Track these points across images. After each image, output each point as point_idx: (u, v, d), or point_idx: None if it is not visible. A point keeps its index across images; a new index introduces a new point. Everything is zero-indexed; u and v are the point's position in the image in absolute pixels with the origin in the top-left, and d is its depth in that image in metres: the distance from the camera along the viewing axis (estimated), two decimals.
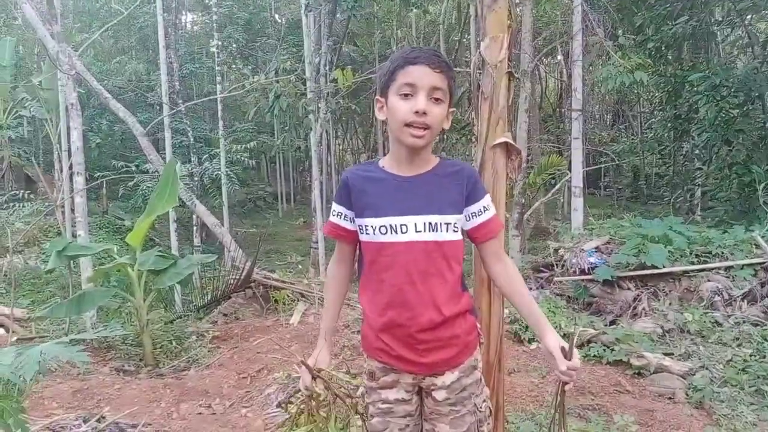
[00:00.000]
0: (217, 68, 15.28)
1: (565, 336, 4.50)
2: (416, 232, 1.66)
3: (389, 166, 1.75)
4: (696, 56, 9.56)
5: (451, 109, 1.69)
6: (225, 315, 5.94)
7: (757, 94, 7.77)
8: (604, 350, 4.28)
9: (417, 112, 1.58)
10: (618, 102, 22.09)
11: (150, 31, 17.95)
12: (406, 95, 1.60)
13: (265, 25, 20.87)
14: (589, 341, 4.43)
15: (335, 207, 1.82)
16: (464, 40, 17.40)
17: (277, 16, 21.46)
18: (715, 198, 8.95)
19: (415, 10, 15.99)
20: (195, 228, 14.49)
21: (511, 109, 2.65)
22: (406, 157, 1.70)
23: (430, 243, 1.67)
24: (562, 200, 18.60)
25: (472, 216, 1.73)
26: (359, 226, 1.75)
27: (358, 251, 1.85)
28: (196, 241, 14.84)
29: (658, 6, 8.83)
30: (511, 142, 2.63)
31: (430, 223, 1.66)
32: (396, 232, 1.67)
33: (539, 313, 1.74)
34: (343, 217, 1.80)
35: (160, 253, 5.01)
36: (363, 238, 1.75)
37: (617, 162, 14.16)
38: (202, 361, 4.82)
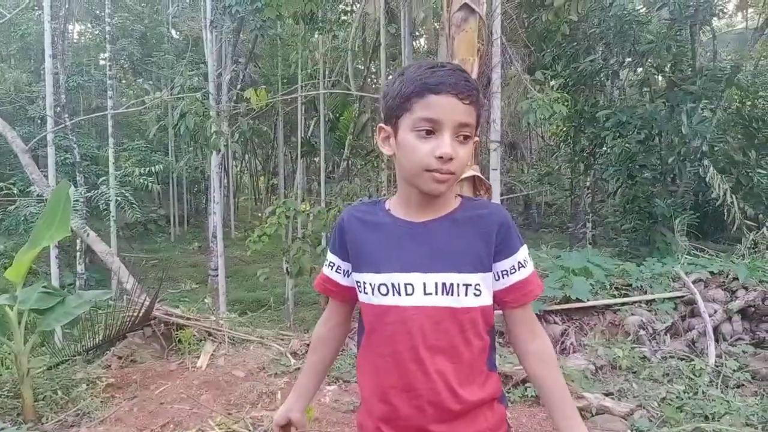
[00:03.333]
0: (108, 82, 14.25)
1: (507, 377, 4.30)
2: (425, 294, 1.30)
3: (396, 209, 1.40)
4: (599, 93, 10.00)
5: (476, 140, 1.34)
6: (120, 358, 5.23)
7: (657, 132, 8.18)
8: None
9: (441, 158, 1.23)
10: (512, 135, 23.02)
11: (33, 39, 16.54)
12: (427, 132, 1.25)
13: (162, 40, 19.95)
14: (524, 380, 4.25)
15: (329, 256, 1.49)
16: (371, 65, 17.41)
17: (174, 31, 20.56)
18: (619, 230, 9.32)
19: (318, 35, 15.81)
20: (79, 253, 13.27)
21: (479, 141, 2.43)
22: (419, 202, 1.35)
23: (442, 310, 1.30)
24: None
25: (503, 275, 1.34)
26: (357, 282, 1.40)
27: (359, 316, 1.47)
28: (80, 267, 13.63)
29: (565, 44, 9.16)
30: (479, 175, 2.40)
31: (443, 284, 1.30)
32: (399, 294, 1.31)
33: (575, 414, 1.35)
34: (335, 269, 1.46)
35: (45, 289, 4.32)
36: (361, 298, 1.40)
37: (523, 193, 14.56)
38: (95, 414, 4.15)
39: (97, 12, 19.76)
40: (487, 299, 1.34)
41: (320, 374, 1.59)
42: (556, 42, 9.24)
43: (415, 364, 1.30)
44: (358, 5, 15.37)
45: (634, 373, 4.43)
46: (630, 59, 8.89)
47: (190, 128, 6.48)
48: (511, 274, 1.35)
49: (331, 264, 1.47)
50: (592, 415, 3.81)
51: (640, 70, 9.09)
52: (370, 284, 1.34)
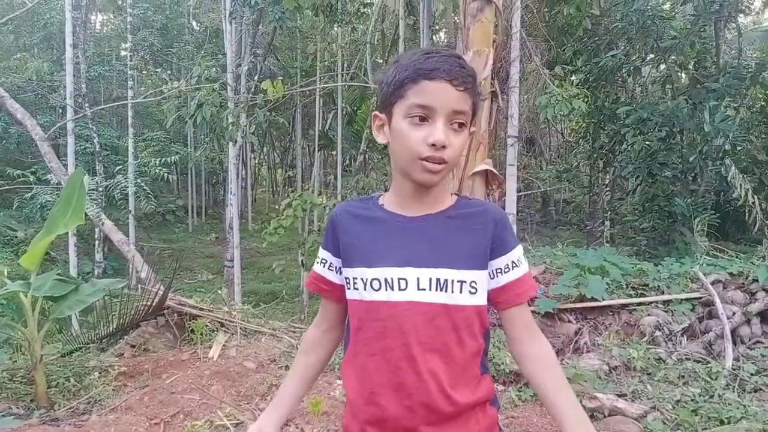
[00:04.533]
0: (129, 72, 14.35)
1: (518, 375, 4.25)
2: (419, 289, 1.26)
3: (390, 204, 1.36)
4: (621, 89, 9.85)
5: (472, 130, 1.30)
6: (133, 347, 5.27)
7: (679, 130, 8.03)
8: None
9: (434, 145, 1.20)
10: (530, 130, 22.81)
11: (55, 29, 16.70)
12: (420, 119, 1.21)
13: (182, 31, 20.05)
14: None
15: (321, 253, 1.43)
16: (390, 59, 17.33)
17: (195, 23, 20.66)
18: (636, 228, 9.18)
19: (337, 28, 15.74)
20: (97, 242, 13.41)
21: (493, 133, 2.36)
22: (413, 194, 1.31)
23: (435, 306, 1.26)
24: None
25: (497, 273, 1.31)
26: (346, 278, 1.35)
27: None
28: (98, 256, 13.78)
29: (586, 39, 9.03)
30: (492, 169, 2.34)
31: (438, 280, 1.26)
32: (392, 288, 1.27)
33: (586, 421, 1.27)
34: (328, 265, 1.41)
35: (60, 277, 4.34)
36: (350, 295, 1.34)
37: (542, 189, 14.43)
38: (106, 402, 4.18)
39: (119, 2, 19.91)
40: (482, 299, 1.30)
41: (307, 382, 1.50)
42: (577, 37, 9.12)
43: (407, 362, 1.26)
44: None
45: (649, 374, 4.35)
46: (652, 55, 8.73)
47: (207, 119, 6.49)
48: (504, 272, 1.31)
49: (324, 261, 1.41)
50: (605, 417, 3.75)
51: (662, 66, 8.92)
52: (362, 279, 1.30)
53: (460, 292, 1.26)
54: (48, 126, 10.91)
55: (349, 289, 1.34)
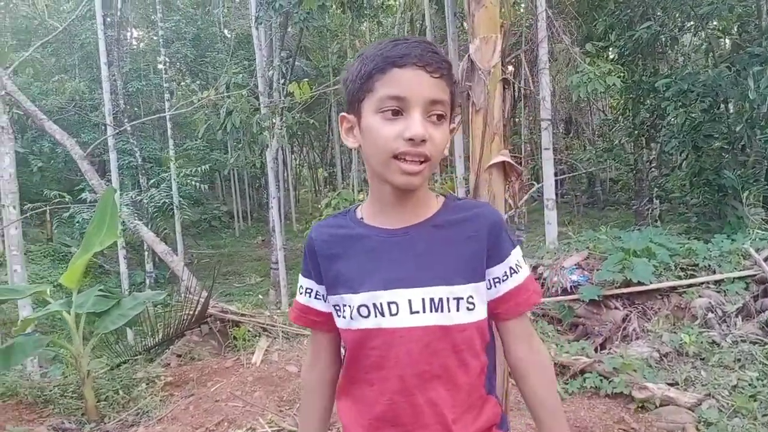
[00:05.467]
0: (165, 85, 14.64)
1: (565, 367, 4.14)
2: (411, 313, 1.12)
3: (369, 215, 1.22)
4: (657, 62, 9.47)
5: (452, 126, 1.18)
6: (179, 356, 5.36)
7: (722, 99, 7.67)
8: (601, 381, 3.92)
9: (411, 140, 1.05)
10: (570, 110, 22.23)
11: (92, 48, 17.17)
12: (393, 113, 1.07)
13: (215, 40, 20.36)
14: (582, 371, 4.07)
15: (302, 281, 1.29)
16: None
17: (226, 31, 20.95)
18: (685, 204, 8.83)
19: (367, 23, 15.71)
20: (146, 253, 13.76)
21: (509, 122, 2.26)
22: (393, 202, 1.16)
23: (432, 329, 1.13)
24: (523, 210, 18.52)
25: (495, 282, 1.18)
26: (334, 306, 1.22)
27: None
28: (149, 266, 14.12)
29: (618, 12, 8.71)
30: (510, 161, 2.24)
31: (432, 300, 1.12)
32: (382, 314, 1.13)
33: None
34: (313, 295, 1.26)
35: (102, 293, 4.44)
36: (339, 324, 1.22)
37: (583, 171, 14.06)
38: (153, 413, 4.25)
39: (152, 17, 20.32)
40: (482, 313, 1.17)
41: (324, 423, 1.36)
42: (608, 11, 8.80)
43: (402, 395, 1.14)
44: None
45: (703, 359, 4.15)
46: (690, 23, 8.35)
47: (237, 125, 6.52)
48: (503, 281, 1.18)
49: (308, 291, 1.27)
50: (656, 407, 3.60)
51: (702, 34, 8.53)
52: (349, 306, 1.16)
53: (458, 310, 1.13)
54: (92, 144, 11.25)
55: (338, 317, 1.22)
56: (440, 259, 1.15)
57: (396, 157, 1.07)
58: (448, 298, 1.13)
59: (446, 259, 1.15)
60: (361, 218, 1.23)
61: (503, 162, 2.20)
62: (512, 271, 1.19)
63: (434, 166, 1.14)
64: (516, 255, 1.21)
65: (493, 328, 1.28)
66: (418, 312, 1.13)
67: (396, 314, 1.13)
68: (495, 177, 2.22)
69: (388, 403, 1.15)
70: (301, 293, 1.30)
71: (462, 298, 1.14)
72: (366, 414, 1.19)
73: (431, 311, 1.13)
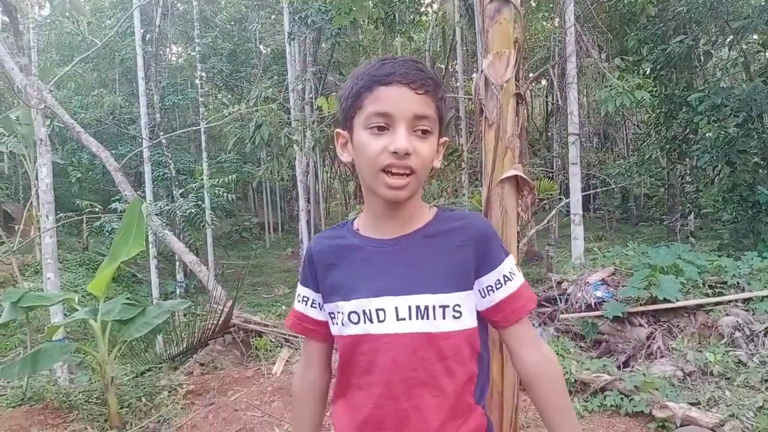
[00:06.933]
0: (200, 99, 14.97)
1: (585, 384, 4.07)
2: (398, 320, 1.16)
3: (364, 226, 1.27)
4: (691, 76, 9.32)
5: (442, 140, 1.21)
6: (202, 365, 5.44)
7: (757, 113, 7.50)
8: (622, 399, 3.85)
9: (396, 153, 1.10)
10: (603, 124, 21.96)
11: (132, 63, 17.68)
12: (379, 128, 1.12)
13: (250, 55, 20.73)
14: (603, 389, 4.00)
15: (300, 290, 1.34)
16: (450, 67, 17.22)
17: (261, 46, 21.31)
18: (718, 221, 8.63)
19: (399, 38, 15.82)
20: (177, 263, 14.01)
21: (522, 137, 2.26)
22: (384, 213, 1.22)
23: (418, 336, 1.16)
24: (554, 224, 18.31)
25: (488, 291, 1.21)
26: (329, 314, 1.27)
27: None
28: (179, 276, 14.37)
29: (651, 26, 8.61)
30: (522, 175, 2.24)
31: (417, 307, 1.16)
32: (370, 321, 1.18)
33: None
34: (310, 303, 1.32)
35: (128, 301, 4.55)
36: (333, 330, 1.28)
37: (614, 186, 13.86)
38: (174, 421, 4.32)
39: (190, 33, 20.85)
40: (469, 322, 1.19)
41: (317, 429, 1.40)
42: (640, 25, 8.70)
43: (388, 400, 1.17)
44: (435, 5, 15.26)
45: (728, 379, 4.05)
46: (722, 38, 8.21)
47: (265, 139, 6.64)
48: (497, 289, 1.21)
49: (305, 299, 1.32)
50: (677, 427, 3.52)
51: (739, 47, 8.37)
52: (341, 313, 1.21)
53: (443, 317, 1.16)
54: (128, 156, 11.57)
55: (332, 324, 1.27)
56: (429, 268, 1.19)
57: (384, 170, 1.13)
58: (434, 306, 1.16)
59: (435, 267, 1.19)
60: (357, 229, 1.28)
61: (516, 176, 2.21)
62: (506, 279, 1.21)
63: (422, 179, 1.17)
64: (509, 263, 1.23)
65: (488, 342, 1.30)
66: (404, 319, 1.16)
67: (383, 321, 1.17)
68: (507, 191, 2.22)
69: (375, 407, 1.19)
70: (298, 301, 1.35)
71: (448, 306, 1.17)
72: (355, 418, 1.22)
73: (417, 318, 1.16)
